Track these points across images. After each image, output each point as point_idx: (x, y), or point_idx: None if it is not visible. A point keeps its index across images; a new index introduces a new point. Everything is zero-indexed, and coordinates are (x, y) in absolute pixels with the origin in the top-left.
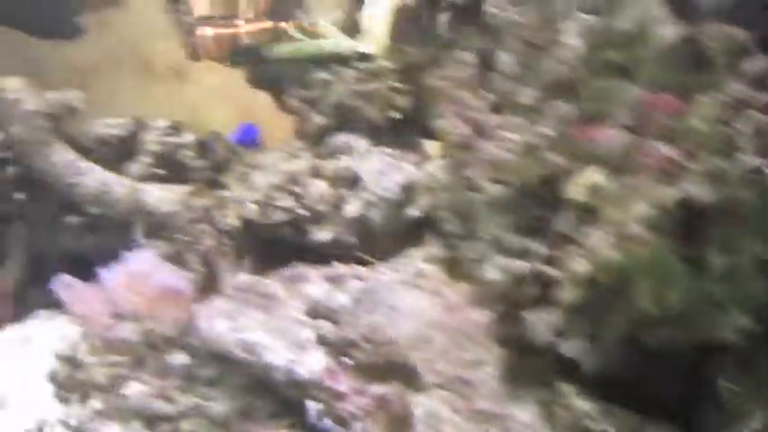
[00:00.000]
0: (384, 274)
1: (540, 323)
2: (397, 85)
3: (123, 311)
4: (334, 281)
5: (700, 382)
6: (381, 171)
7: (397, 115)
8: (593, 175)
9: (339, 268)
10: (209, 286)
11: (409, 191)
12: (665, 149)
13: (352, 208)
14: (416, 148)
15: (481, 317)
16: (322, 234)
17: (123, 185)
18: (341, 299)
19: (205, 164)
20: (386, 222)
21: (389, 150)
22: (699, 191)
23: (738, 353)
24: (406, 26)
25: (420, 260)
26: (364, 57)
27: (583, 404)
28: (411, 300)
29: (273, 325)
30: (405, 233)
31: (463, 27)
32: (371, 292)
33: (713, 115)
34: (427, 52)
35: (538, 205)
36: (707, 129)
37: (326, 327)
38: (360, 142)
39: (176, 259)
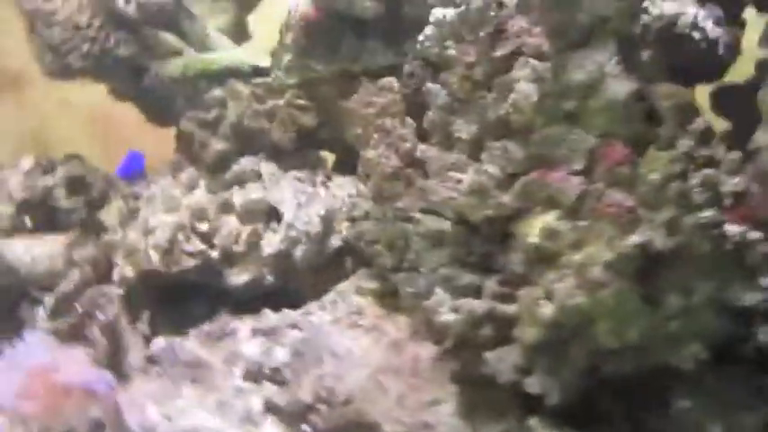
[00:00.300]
0: (318, 316)
1: (501, 361)
2: (302, 102)
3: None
4: (267, 333)
5: (656, 405)
6: (299, 201)
7: (303, 135)
8: (549, 219)
9: (268, 317)
10: (117, 361)
11: (330, 220)
12: (623, 197)
13: (270, 244)
14: (328, 171)
15: (429, 352)
16: (239, 277)
17: None
18: (279, 355)
19: (80, 204)
20: (309, 257)
21: (301, 175)
22: (657, 238)
23: (691, 376)
24: (311, 39)
25: (351, 294)
26: (262, 71)
27: None
28: (354, 343)
29: (212, 400)
30: (329, 266)
31: (374, 44)
32: (311, 341)
33: (667, 168)
34: (335, 68)
35: (483, 242)
36: (661, 180)
37: (273, 391)
38: (266, 167)
39: (73, 335)
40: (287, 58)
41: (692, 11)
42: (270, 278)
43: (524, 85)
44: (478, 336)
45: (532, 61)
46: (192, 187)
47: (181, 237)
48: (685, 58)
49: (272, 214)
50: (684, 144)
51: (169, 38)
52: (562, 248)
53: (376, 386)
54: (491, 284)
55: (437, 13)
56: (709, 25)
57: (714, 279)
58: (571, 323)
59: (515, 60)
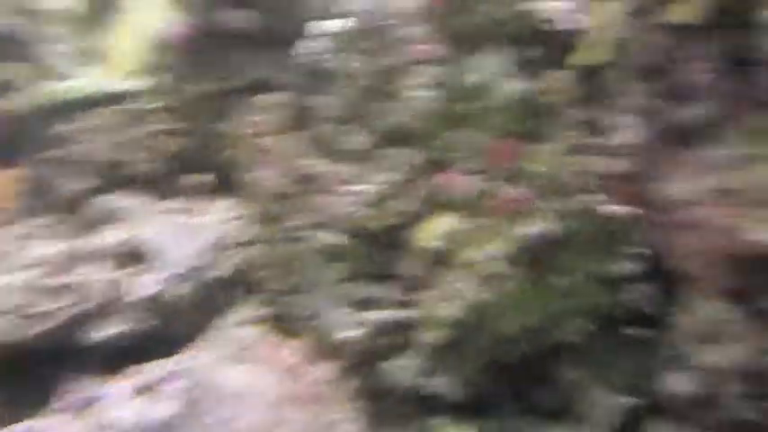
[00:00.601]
0: (206, 357)
1: (402, 369)
2: (172, 126)
3: None
4: (147, 389)
5: (545, 381)
6: (174, 235)
7: (176, 161)
8: (447, 221)
9: (147, 370)
10: None
11: (212, 251)
12: (518, 192)
13: (145, 287)
14: (205, 198)
15: (327, 373)
16: (108, 330)
17: None
18: (164, 409)
19: None
20: (191, 293)
21: (174, 205)
22: (550, 227)
23: (577, 348)
24: (183, 58)
25: (241, 326)
26: (123, 96)
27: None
28: (248, 378)
29: None
30: (214, 299)
31: (251, 59)
32: (202, 387)
33: (553, 159)
34: (212, 87)
35: (382, 251)
36: (549, 171)
37: None
38: (133, 202)
39: None
40: (156, 80)
41: (555, 4)
42: (147, 324)
43: (420, 92)
44: (381, 346)
45: (425, 67)
46: (40, 237)
47: (32, 296)
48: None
49: (144, 253)
50: (568, 136)
51: (15, 68)
52: (461, 248)
53: (276, 420)
54: (392, 293)
55: (323, 25)
56: (569, 16)
57: (593, 256)
58: (472, 320)
59: (409, 68)
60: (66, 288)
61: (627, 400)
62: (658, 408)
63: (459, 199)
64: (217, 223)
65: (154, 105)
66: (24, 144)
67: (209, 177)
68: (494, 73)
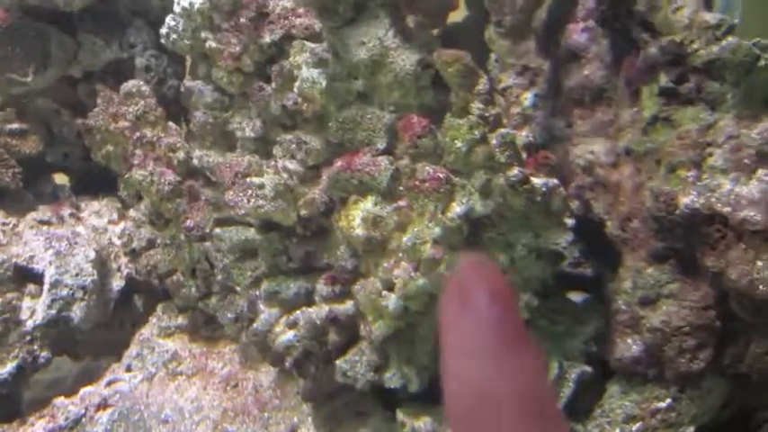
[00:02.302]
0: (128, 381)
1: (351, 365)
2: (16, 125)
3: None
4: (74, 428)
5: None
6: (57, 249)
7: (31, 166)
8: (367, 206)
9: (70, 406)
10: None
11: (103, 262)
12: (434, 169)
13: (33, 315)
14: (74, 202)
15: (269, 378)
16: (5, 366)
17: None
18: None
19: None
20: (91, 313)
21: (43, 216)
22: (476, 204)
23: (526, 322)
24: (6, 47)
25: (157, 339)
26: None
27: (419, 422)
28: (182, 397)
29: None
30: (117, 316)
31: (91, 40)
32: (130, 415)
33: (469, 134)
34: (50, 76)
35: (300, 244)
36: (466, 147)
37: None
38: None
39: None
40: None
41: None
42: (43, 355)
43: (307, 71)
44: (322, 344)
45: (309, 44)
46: None
47: None
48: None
49: (24, 276)
50: (476, 108)
51: None
52: (388, 233)
53: None
54: (321, 287)
55: (183, 1)
56: None
57: (530, 230)
58: (416, 307)
59: (287, 45)
60: None
61: (584, 369)
62: (611, 371)
63: (372, 181)
64: (99, 230)
65: None
66: None
67: (72, 178)
68: (379, 45)
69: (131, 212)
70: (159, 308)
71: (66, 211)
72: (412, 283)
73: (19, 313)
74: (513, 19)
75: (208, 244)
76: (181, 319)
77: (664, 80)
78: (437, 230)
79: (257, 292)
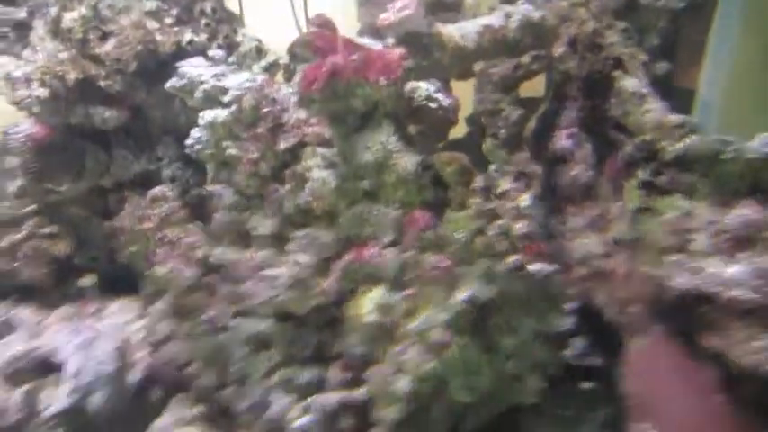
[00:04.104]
0: None
1: None
2: (49, 230)
3: None
4: None
5: None
6: (80, 342)
7: (59, 266)
8: (376, 294)
9: None
10: None
11: (124, 354)
12: (438, 259)
13: (55, 402)
14: (98, 302)
15: None
16: None
17: None
18: None
19: None
20: (110, 402)
21: (69, 310)
22: (479, 290)
23: (535, 408)
24: (44, 159)
25: (175, 430)
26: None
27: None
28: None
29: None
30: (135, 406)
31: (122, 154)
32: None
33: (468, 225)
34: (82, 186)
35: (312, 333)
36: (467, 237)
37: None
38: (23, 313)
39: None
40: (16, 184)
41: (424, 86)
42: None
43: (319, 173)
44: (336, 430)
45: (320, 149)
46: None
47: None
48: (428, 123)
49: (46, 367)
50: (474, 202)
51: None
52: (398, 320)
53: None
54: (334, 374)
55: (207, 115)
56: (440, 96)
57: (532, 314)
58: (427, 391)
59: (300, 151)
60: None
61: None
62: None
63: (381, 272)
64: (121, 324)
65: (24, 210)
66: None
67: (98, 278)
68: (383, 149)
69: (152, 308)
70: (176, 398)
71: (90, 309)
72: (423, 365)
73: (46, 398)
74: (506, 132)
75: (225, 336)
76: (197, 410)
77: (642, 175)
78: (446, 315)
79: (271, 381)
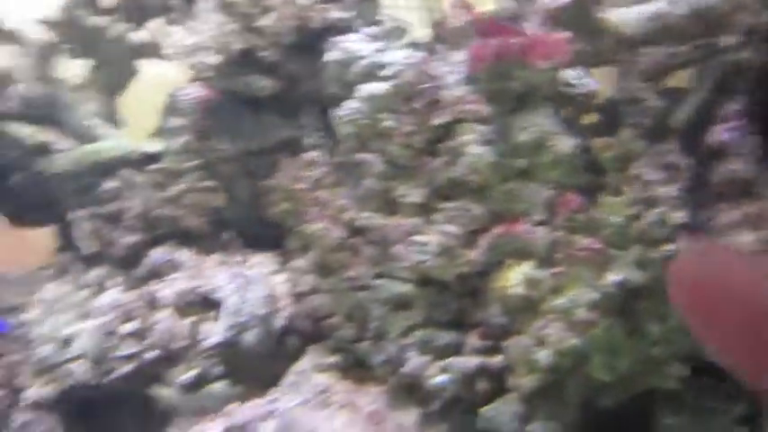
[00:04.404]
0: (286, 402)
1: (499, 414)
2: (209, 183)
3: None
4: (241, 428)
5: (643, 428)
6: (236, 285)
7: (216, 217)
8: (524, 269)
9: (237, 412)
10: None
11: (273, 300)
12: (591, 241)
13: (213, 335)
14: (244, 251)
15: (411, 418)
16: (183, 375)
17: None
18: None
19: None
20: (258, 341)
21: (224, 258)
22: (631, 274)
23: (672, 394)
24: (209, 120)
25: (312, 373)
26: (153, 156)
27: None
28: (330, 423)
29: None
30: (278, 347)
31: (271, 120)
32: (289, 428)
33: (625, 211)
34: (239, 147)
35: (455, 300)
36: (623, 222)
37: None
38: (184, 255)
39: None
40: (182, 140)
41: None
42: (216, 370)
43: (476, 148)
44: (470, 392)
45: (477, 126)
46: (101, 286)
47: (110, 342)
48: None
49: (208, 302)
50: (632, 189)
51: (43, 132)
52: (543, 295)
53: None
54: (472, 340)
55: (367, 88)
56: (586, 81)
57: None
58: (566, 365)
59: (453, 127)
60: (138, 335)
61: None
62: None
63: (531, 247)
64: (270, 274)
65: (187, 165)
66: (61, 203)
67: (252, 232)
68: (541, 131)
69: (296, 262)
70: (314, 347)
71: (236, 258)
72: (566, 341)
73: (204, 331)
74: (650, 122)
75: (365, 294)
76: (333, 359)
77: None
78: (594, 295)
79: (408, 341)
